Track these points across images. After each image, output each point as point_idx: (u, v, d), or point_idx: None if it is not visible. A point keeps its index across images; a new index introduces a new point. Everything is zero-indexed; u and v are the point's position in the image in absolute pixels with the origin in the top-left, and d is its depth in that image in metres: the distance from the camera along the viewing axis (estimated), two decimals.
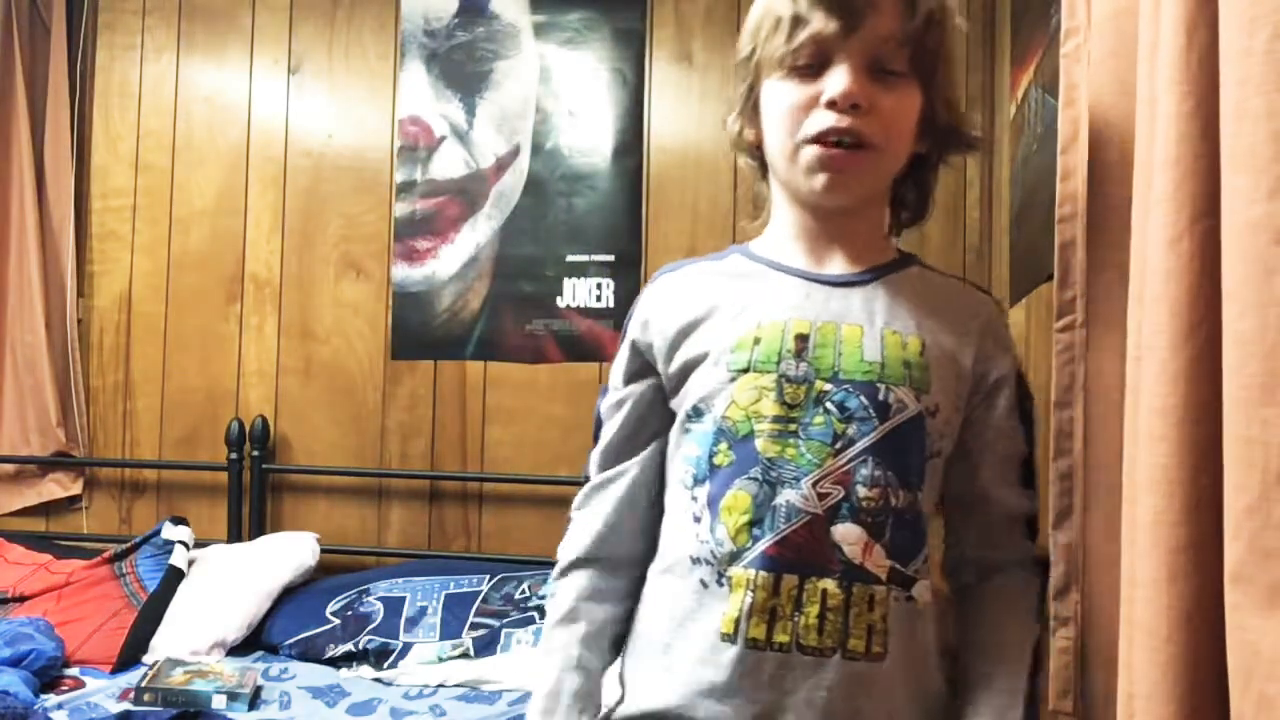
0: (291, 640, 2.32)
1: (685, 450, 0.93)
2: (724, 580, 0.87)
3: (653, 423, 0.98)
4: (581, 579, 0.98)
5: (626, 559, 0.99)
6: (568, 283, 2.69)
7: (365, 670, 2.23)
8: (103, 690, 2.06)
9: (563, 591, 0.99)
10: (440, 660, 2.22)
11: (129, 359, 2.87)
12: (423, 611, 2.32)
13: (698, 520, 0.90)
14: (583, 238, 2.69)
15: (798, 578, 0.85)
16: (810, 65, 0.88)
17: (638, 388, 0.99)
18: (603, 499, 1.00)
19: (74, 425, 2.85)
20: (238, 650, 2.34)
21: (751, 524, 0.86)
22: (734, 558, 0.87)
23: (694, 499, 0.90)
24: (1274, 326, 0.63)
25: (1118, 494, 0.93)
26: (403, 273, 2.76)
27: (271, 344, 2.82)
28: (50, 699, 1.97)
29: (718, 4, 2.66)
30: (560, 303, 2.69)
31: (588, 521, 1.00)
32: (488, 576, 2.42)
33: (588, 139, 2.71)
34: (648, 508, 0.99)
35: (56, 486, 2.87)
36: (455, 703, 2.05)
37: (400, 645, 2.25)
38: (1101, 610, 1.00)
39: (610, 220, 2.69)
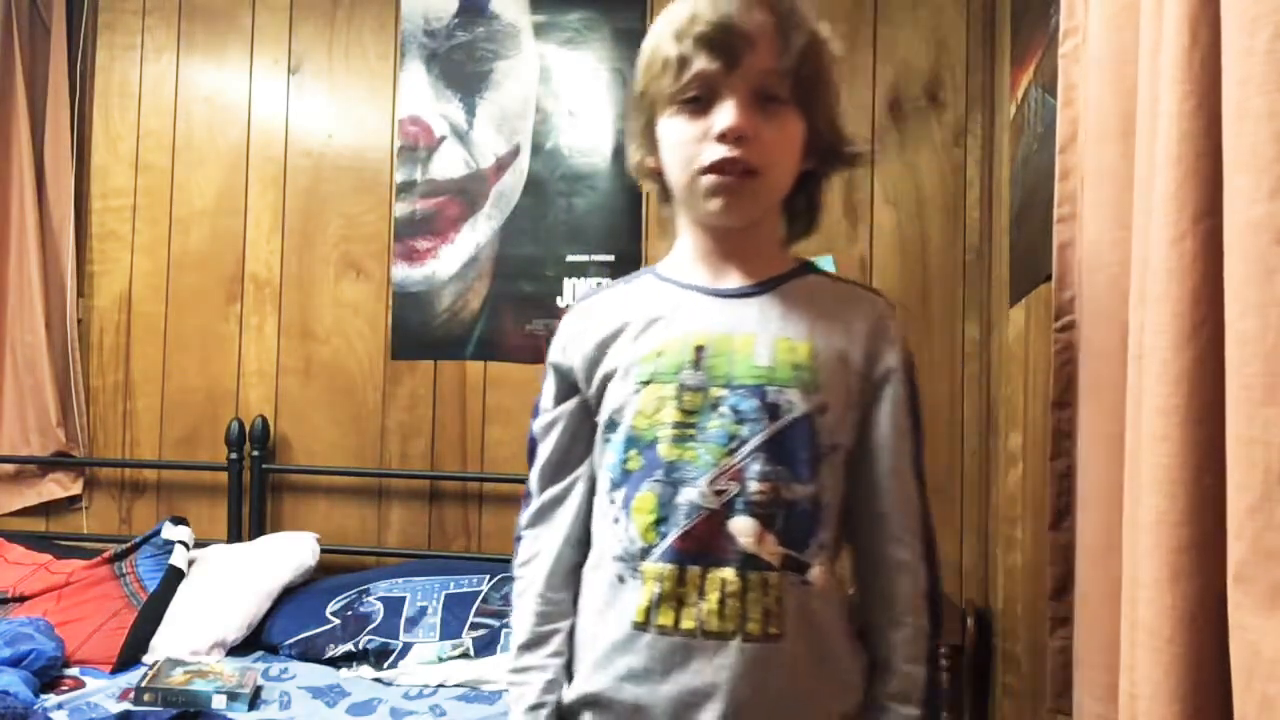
0: (291, 640, 2.32)
1: (605, 459, 1.01)
2: (637, 574, 0.95)
3: (585, 438, 1.06)
4: (540, 603, 1.05)
5: (579, 567, 1.06)
6: (568, 283, 2.69)
7: (365, 670, 2.23)
8: (103, 690, 2.06)
9: (524, 612, 1.06)
10: (440, 660, 2.22)
11: (129, 359, 2.87)
12: (423, 611, 2.32)
13: (617, 521, 0.98)
14: (583, 238, 2.69)
15: (700, 568, 0.93)
16: (699, 99, 0.96)
17: (567, 408, 1.07)
18: (551, 517, 1.07)
19: (74, 425, 2.85)
20: (238, 650, 2.34)
21: (657, 522, 0.95)
22: (644, 553, 0.95)
23: (613, 502, 0.99)
24: (1275, 327, 0.63)
25: (1116, 494, 0.93)
26: (403, 273, 2.76)
27: (271, 344, 2.82)
28: (50, 699, 1.97)
29: None
30: (560, 303, 2.69)
31: (543, 540, 1.07)
32: (488, 576, 2.42)
33: (588, 139, 2.71)
34: (590, 517, 1.06)
35: (56, 486, 2.87)
36: (455, 703, 2.05)
37: (400, 645, 2.25)
38: (1099, 610, 1.00)
39: (610, 220, 2.69)
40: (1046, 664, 1.32)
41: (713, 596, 0.93)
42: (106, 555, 2.47)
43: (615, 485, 0.99)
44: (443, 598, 2.36)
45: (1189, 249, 0.76)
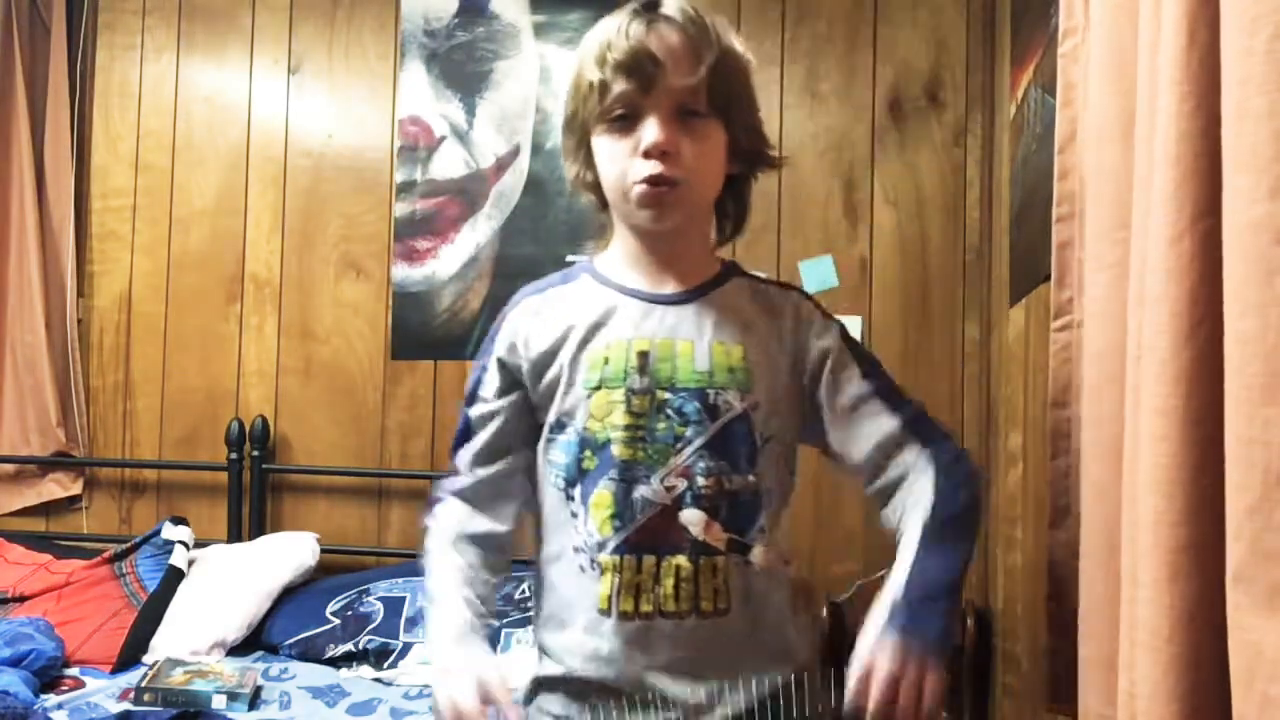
0: (291, 640, 2.32)
1: (553, 457, 1.08)
2: (596, 565, 1.04)
3: (524, 430, 1.13)
4: (462, 511, 1.13)
5: (497, 524, 1.13)
6: None
7: (365, 670, 2.23)
8: (103, 690, 2.06)
9: (445, 518, 1.14)
10: None
11: (129, 359, 2.87)
12: (423, 611, 2.32)
13: (575, 516, 1.06)
14: (583, 238, 2.69)
15: (655, 558, 1.03)
16: (625, 118, 1.04)
17: (508, 401, 1.13)
18: (486, 500, 1.14)
19: (74, 425, 2.85)
20: (238, 650, 2.34)
21: (614, 516, 1.03)
22: (601, 546, 1.04)
23: (570, 498, 1.06)
24: (1275, 327, 0.63)
25: (1117, 494, 0.93)
26: (403, 273, 2.76)
27: (271, 344, 2.82)
28: (50, 699, 1.97)
29: (717, 5, 2.66)
30: None
31: (475, 519, 1.14)
32: None
33: None
34: (517, 499, 1.14)
35: (56, 486, 2.87)
36: None
37: (400, 645, 2.25)
38: (1100, 609, 1.00)
39: None
40: (1047, 664, 1.32)
41: (668, 582, 1.02)
42: (106, 555, 2.47)
43: (571, 483, 1.06)
44: None
45: (1188, 249, 0.76)
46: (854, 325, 2.57)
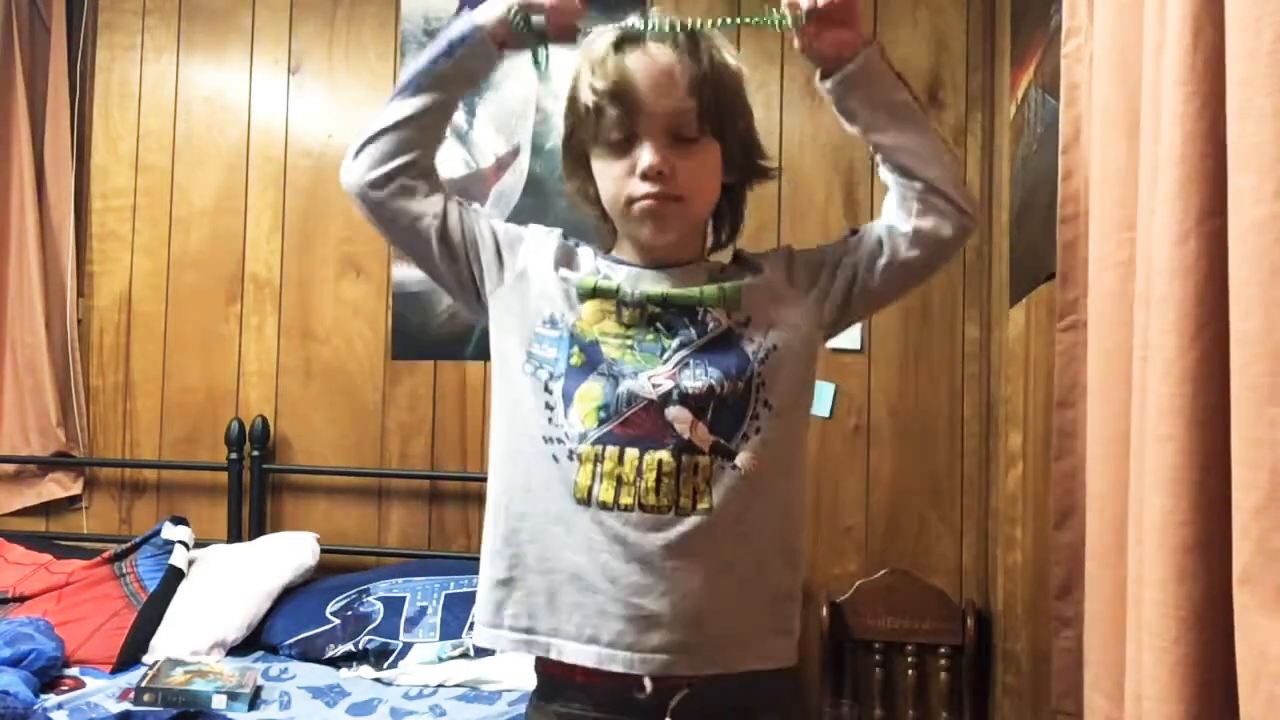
0: (291, 640, 2.32)
1: (537, 350, 1.10)
2: (574, 456, 1.05)
3: (472, 240, 1.19)
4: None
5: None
6: None
7: (365, 670, 2.23)
8: (103, 690, 2.06)
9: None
10: (440, 660, 2.22)
11: (129, 359, 2.87)
12: (423, 611, 2.32)
13: (550, 408, 1.07)
14: (583, 238, 2.68)
15: (638, 450, 1.04)
16: (623, 139, 1.07)
17: (494, 232, 1.19)
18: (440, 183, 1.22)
19: (74, 425, 2.84)
20: (238, 650, 2.34)
21: (600, 409, 1.05)
22: (583, 437, 1.05)
23: (549, 391, 1.08)
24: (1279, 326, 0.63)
25: (1123, 494, 0.93)
26: (403, 273, 2.76)
27: (271, 344, 2.82)
28: (50, 699, 1.97)
29: (717, 5, 2.66)
30: None
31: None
32: None
33: None
34: (432, 179, 1.20)
35: (56, 486, 2.86)
36: (455, 703, 2.05)
37: (400, 645, 2.25)
38: (1107, 609, 1.00)
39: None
40: (1051, 663, 1.32)
41: (650, 476, 1.03)
42: (106, 555, 2.47)
43: (554, 377, 1.08)
44: (443, 598, 2.35)
45: (1193, 249, 0.76)
46: (854, 325, 2.57)
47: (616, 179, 1.09)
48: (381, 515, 2.75)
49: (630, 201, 1.08)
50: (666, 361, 1.07)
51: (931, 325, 2.56)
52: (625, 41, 1.07)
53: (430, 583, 2.40)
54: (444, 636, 2.27)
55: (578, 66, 1.11)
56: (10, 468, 2.86)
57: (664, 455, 1.04)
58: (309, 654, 2.29)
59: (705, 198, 1.12)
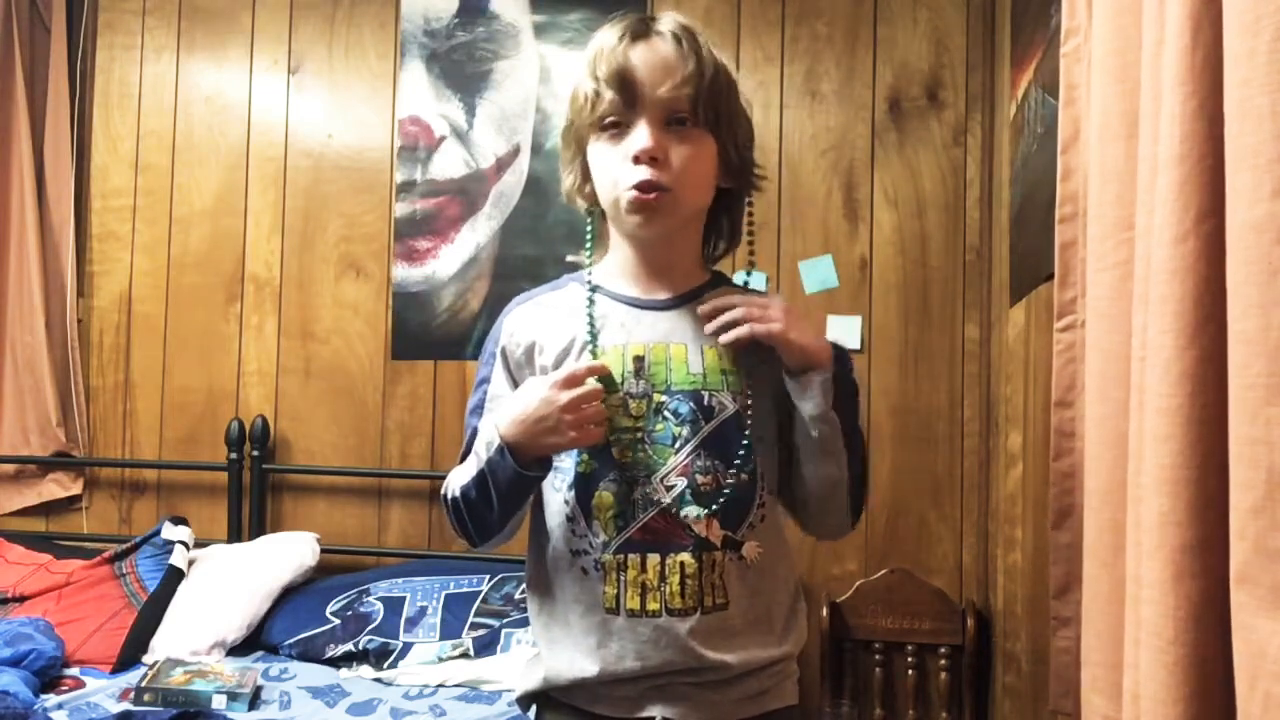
0: (291, 640, 2.32)
1: (558, 462, 1.10)
2: (600, 566, 1.07)
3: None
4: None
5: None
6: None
7: (365, 670, 2.23)
8: (103, 690, 2.06)
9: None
10: (440, 660, 2.22)
11: (129, 359, 2.87)
12: (423, 611, 2.32)
13: (571, 519, 1.09)
14: (583, 238, 2.68)
15: (659, 555, 1.06)
16: (619, 125, 1.09)
17: (507, 389, 1.15)
18: None
19: (74, 425, 2.84)
20: (238, 650, 2.34)
21: (616, 517, 1.07)
22: (605, 547, 1.07)
23: (566, 503, 1.09)
24: (1277, 326, 0.63)
25: (1119, 494, 0.93)
26: (403, 273, 2.76)
27: (271, 344, 2.82)
28: (50, 699, 1.97)
29: (717, 4, 2.66)
30: None
31: None
32: (487, 576, 2.42)
33: None
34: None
35: (56, 486, 2.87)
36: (455, 703, 2.05)
37: (400, 645, 2.25)
38: (1105, 609, 1.00)
39: None
40: (1049, 663, 1.32)
41: (674, 580, 1.06)
42: (106, 555, 2.47)
43: (570, 487, 1.09)
44: (443, 598, 2.35)
45: (1191, 249, 0.76)
46: (854, 325, 2.57)
47: (610, 165, 1.09)
48: (381, 515, 2.76)
49: (623, 189, 1.08)
50: (679, 451, 1.07)
51: (931, 325, 2.56)
52: (628, 32, 1.09)
53: (430, 583, 2.40)
54: (444, 636, 2.27)
55: (585, 54, 1.13)
56: (10, 468, 2.86)
57: (685, 558, 1.06)
58: (309, 654, 2.29)
59: (698, 187, 1.12)
